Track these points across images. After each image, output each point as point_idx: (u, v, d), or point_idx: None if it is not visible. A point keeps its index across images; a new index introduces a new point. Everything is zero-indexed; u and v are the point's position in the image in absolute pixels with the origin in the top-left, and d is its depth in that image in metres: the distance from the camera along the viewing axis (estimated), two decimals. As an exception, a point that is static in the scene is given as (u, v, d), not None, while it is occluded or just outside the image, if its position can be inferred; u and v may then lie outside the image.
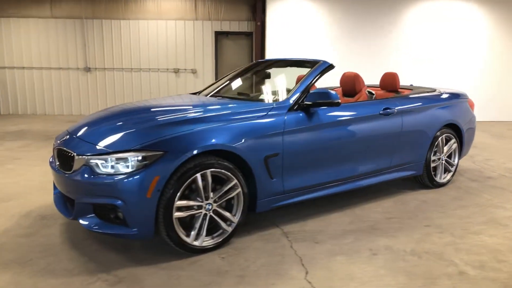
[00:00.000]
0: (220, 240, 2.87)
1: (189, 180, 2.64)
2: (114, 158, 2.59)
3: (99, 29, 9.98)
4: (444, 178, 4.38)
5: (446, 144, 4.34)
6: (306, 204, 3.68)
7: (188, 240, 2.72)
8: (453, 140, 4.38)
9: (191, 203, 2.71)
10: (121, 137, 2.76)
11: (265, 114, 3.07)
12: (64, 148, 2.89)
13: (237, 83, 4.20)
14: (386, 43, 9.47)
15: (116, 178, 2.54)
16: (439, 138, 4.21)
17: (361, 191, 4.09)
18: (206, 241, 2.81)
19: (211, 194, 2.79)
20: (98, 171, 2.62)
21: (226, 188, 2.84)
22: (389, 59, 9.38)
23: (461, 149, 4.53)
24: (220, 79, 4.37)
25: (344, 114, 3.45)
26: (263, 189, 3.02)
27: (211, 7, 9.98)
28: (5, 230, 3.18)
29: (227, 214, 2.88)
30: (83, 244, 2.97)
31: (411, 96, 4.15)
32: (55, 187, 3.32)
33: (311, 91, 3.24)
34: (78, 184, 2.68)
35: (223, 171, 2.78)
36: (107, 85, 10.21)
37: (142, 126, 2.85)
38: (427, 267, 2.67)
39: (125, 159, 2.58)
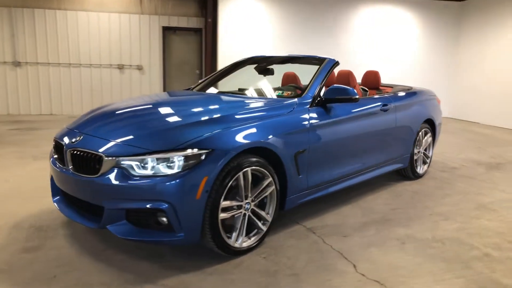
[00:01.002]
0: (257, 239, 2.79)
1: (233, 179, 2.53)
2: (154, 159, 2.38)
3: (30, 19, 9.02)
4: (422, 170, 4.72)
5: (424, 138, 4.67)
6: (314, 199, 3.71)
7: (231, 242, 2.60)
8: (429, 134, 4.74)
9: (234, 203, 2.60)
10: (157, 135, 2.54)
11: (291, 111, 3.04)
12: (84, 149, 2.58)
13: (238, 79, 4.09)
14: (336, 42, 9.90)
15: (161, 180, 2.33)
16: (420, 133, 4.53)
17: (356, 184, 4.23)
18: (245, 242, 2.71)
19: (249, 193, 2.70)
20: (133, 173, 2.39)
21: (263, 186, 2.76)
22: (340, 58, 9.77)
23: (434, 142, 4.91)
24: (212, 75, 4.22)
25: (355, 110, 3.54)
26: (292, 186, 3.00)
27: (158, 2, 9.56)
28: (1, 246, 2.75)
29: (262, 213, 2.80)
30: (104, 254, 2.68)
31: (400, 93, 4.39)
32: (53, 194, 2.97)
33: (329, 87, 3.28)
34: (108, 189, 2.41)
35: (261, 169, 2.70)
36: (40, 81, 9.27)
37: (179, 123, 2.65)
38: (455, 252, 2.86)
39: (167, 159, 2.38)
